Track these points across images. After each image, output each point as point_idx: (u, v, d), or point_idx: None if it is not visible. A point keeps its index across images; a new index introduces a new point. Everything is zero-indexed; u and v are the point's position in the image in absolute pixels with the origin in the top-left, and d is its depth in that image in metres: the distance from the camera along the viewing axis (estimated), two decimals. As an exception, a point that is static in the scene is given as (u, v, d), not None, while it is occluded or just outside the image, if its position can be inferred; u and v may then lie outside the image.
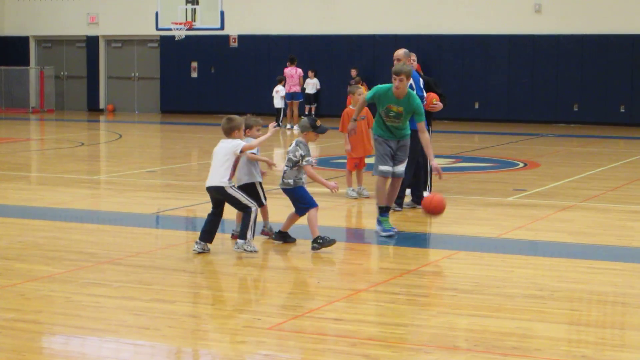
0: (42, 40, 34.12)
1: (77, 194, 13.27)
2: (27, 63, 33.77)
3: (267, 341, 6.25)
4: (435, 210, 9.77)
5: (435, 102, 11.97)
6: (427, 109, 11.60)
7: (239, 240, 8.91)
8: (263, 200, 9.51)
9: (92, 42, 33.07)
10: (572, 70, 27.33)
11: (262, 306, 7.15)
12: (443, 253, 9.29)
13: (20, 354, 5.92)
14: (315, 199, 9.36)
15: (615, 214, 11.65)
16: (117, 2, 32.37)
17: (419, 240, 10.26)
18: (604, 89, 27.00)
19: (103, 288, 7.58)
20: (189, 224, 11.36)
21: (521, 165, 16.99)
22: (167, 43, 31.28)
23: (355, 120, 10.83)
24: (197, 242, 9.00)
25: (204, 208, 11.99)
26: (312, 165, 9.20)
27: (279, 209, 12.11)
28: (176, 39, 26.82)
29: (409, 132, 10.24)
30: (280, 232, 9.45)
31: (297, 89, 25.42)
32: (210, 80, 31.39)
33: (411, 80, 11.67)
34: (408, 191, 12.37)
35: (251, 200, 8.93)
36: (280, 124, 25.37)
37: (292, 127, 25.31)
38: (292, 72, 25.28)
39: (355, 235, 10.71)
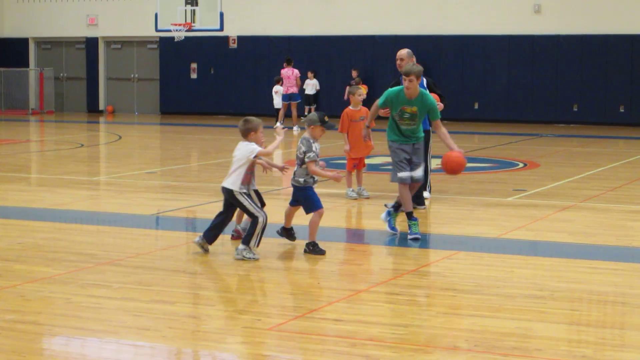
0: (41, 42, 34.13)
1: (77, 195, 13.27)
2: (26, 64, 33.78)
3: (267, 342, 6.26)
4: (456, 169, 9.89)
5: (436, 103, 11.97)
6: None
7: (240, 246, 8.83)
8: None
9: (91, 44, 33.07)
10: (571, 70, 27.33)
11: (262, 307, 7.15)
12: (443, 253, 9.29)
13: (20, 355, 5.91)
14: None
15: (615, 214, 11.65)
16: (117, 4, 32.39)
17: (419, 240, 10.26)
18: (603, 89, 27.01)
19: (103, 289, 7.58)
20: (189, 225, 11.36)
21: (521, 165, 16.99)
22: (166, 44, 31.29)
23: (368, 127, 10.74)
24: (199, 236, 8.98)
25: (204, 209, 12.01)
26: (315, 162, 9.03)
27: (280, 210, 12.12)
28: (175, 40, 26.86)
29: (423, 134, 10.17)
30: (284, 228, 9.39)
31: (294, 90, 25.41)
32: (210, 81, 31.40)
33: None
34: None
35: (259, 209, 8.80)
36: (282, 123, 25.39)
37: (291, 128, 25.30)
38: (289, 73, 25.27)
39: (355, 236, 10.72)
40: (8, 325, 6.54)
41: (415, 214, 10.03)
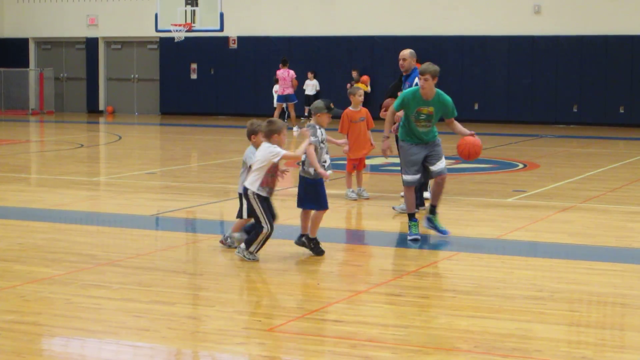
0: (41, 42, 34.13)
1: (77, 195, 13.27)
2: (26, 65, 33.78)
3: (267, 343, 6.25)
4: (473, 154, 9.88)
5: None
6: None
7: (242, 245, 8.74)
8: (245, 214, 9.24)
9: (91, 44, 33.08)
10: (571, 71, 27.34)
11: (262, 308, 7.15)
12: (443, 254, 9.29)
13: (20, 356, 5.91)
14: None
15: (615, 215, 11.65)
16: (117, 4, 32.39)
17: (419, 241, 10.25)
18: (603, 89, 27.01)
19: (103, 290, 7.58)
20: (189, 225, 11.36)
21: (521, 166, 16.99)
22: (166, 45, 31.29)
23: (387, 137, 10.27)
24: (240, 248, 8.78)
25: (204, 210, 12.02)
26: (315, 147, 8.83)
27: (279, 210, 12.12)
28: (176, 40, 26.83)
29: (437, 133, 10.02)
30: (309, 238, 8.97)
31: (290, 91, 25.38)
32: (210, 81, 31.40)
33: (416, 80, 11.68)
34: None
35: (269, 221, 8.60)
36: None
37: (291, 129, 25.27)
38: (285, 74, 25.27)
39: (355, 237, 10.71)
40: (8, 326, 6.54)
41: (416, 216, 10.01)
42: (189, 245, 9.86)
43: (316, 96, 29.36)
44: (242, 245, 8.75)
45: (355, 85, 24.41)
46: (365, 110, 12.95)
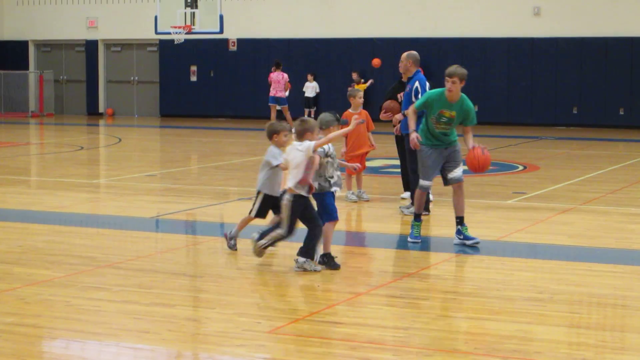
0: (41, 45, 34.13)
1: (77, 198, 13.27)
2: (26, 67, 33.78)
3: (267, 345, 6.25)
4: (482, 167, 9.73)
5: None
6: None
7: (300, 259, 8.38)
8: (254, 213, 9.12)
9: (91, 46, 33.08)
10: (571, 73, 27.34)
11: (262, 310, 7.15)
12: (443, 256, 9.29)
13: (20, 358, 5.91)
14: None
15: (614, 217, 11.65)
16: (117, 6, 32.40)
17: (418, 243, 10.25)
18: (603, 91, 27.02)
19: (103, 292, 7.58)
20: (189, 227, 11.35)
21: (521, 168, 16.99)
22: (166, 47, 31.29)
23: (414, 131, 10.00)
24: (297, 260, 8.49)
25: (204, 212, 12.02)
26: (320, 158, 8.53)
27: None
28: (175, 42, 26.83)
29: (456, 137, 9.87)
30: (325, 254, 8.60)
31: (282, 94, 25.38)
32: (210, 84, 31.40)
33: (417, 84, 11.67)
34: (407, 194, 12.38)
35: (290, 227, 8.33)
36: None
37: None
38: (279, 77, 25.28)
39: (355, 239, 10.71)
40: (8, 328, 6.54)
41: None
42: (189, 248, 9.86)
43: (316, 98, 29.40)
44: (300, 259, 8.37)
45: (356, 87, 24.43)
46: (365, 112, 12.95)
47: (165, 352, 6.15)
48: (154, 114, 32.50)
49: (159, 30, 26.56)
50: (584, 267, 8.73)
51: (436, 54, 27.86)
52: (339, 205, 12.23)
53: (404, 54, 11.88)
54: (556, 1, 27.48)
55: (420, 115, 10.17)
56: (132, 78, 33.02)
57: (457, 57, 28.05)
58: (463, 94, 9.72)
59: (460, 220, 9.69)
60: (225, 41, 30.76)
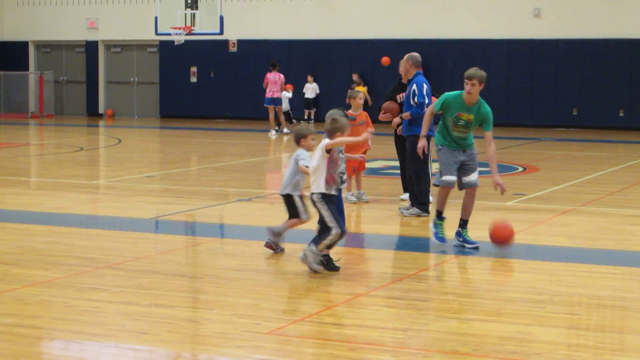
0: (41, 45, 34.14)
1: (76, 198, 13.26)
2: (26, 68, 33.79)
3: (266, 346, 6.25)
4: (505, 240, 9.33)
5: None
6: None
7: (311, 246, 8.21)
8: (303, 215, 9.06)
9: (91, 47, 33.09)
10: (571, 74, 27.35)
11: (261, 311, 7.15)
12: (442, 257, 9.29)
13: (19, 359, 5.91)
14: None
15: (614, 218, 11.65)
16: (117, 7, 32.41)
17: (418, 244, 10.26)
18: (603, 93, 27.02)
19: (102, 293, 7.58)
20: (188, 228, 11.35)
21: (520, 169, 16.99)
22: (166, 48, 31.30)
23: (424, 136, 10.08)
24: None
25: (203, 213, 12.02)
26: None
27: (279, 213, 12.12)
28: (175, 43, 26.85)
29: (473, 140, 9.78)
30: (324, 255, 8.47)
31: (279, 94, 25.45)
32: (210, 85, 31.41)
33: (414, 86, 11.67)
34: (406, 195, 12.38)
35: (337, 222, 8.12)
36: (278, 128, 25.43)
37: (278, 132, 25.22)
38: (276, 77, 25.33)
39: (355, 240, 10.70)
40: (7, 329, 6.54)
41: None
42: (189, 249, 9.86)
43: (316, 99, 29.41)
44: (311, 246, 8.19)
45: (356, 88, 24.42)
46: (365, 113, 12.94)
47: (164, 353, 6.15)
48: (154, 115, 32.51)
49: (159, 31, 26.58)
50: (583, 269, 8.73)
51: (436, 55, 27.87)
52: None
53: (405, 56, 11.90)
54: (556, 3, 27.49)
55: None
56: (132, 79, 33.03)
57: (457, 59, 28.10)
58: (481, 98, 9.60)
59: (463, 223, 9.65)
60: (226, 42, 30.77)
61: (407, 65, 11.84)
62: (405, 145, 11.95)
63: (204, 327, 6.74)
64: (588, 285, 8.05)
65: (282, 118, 25.46)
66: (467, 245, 9.50)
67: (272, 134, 24.79)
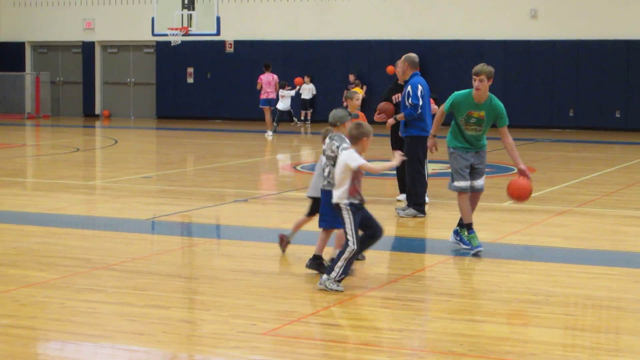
0: (37, 46, 34.11)
1: (73, 199, 13.25)
2: (22, 69, 33.75)
3: (261, 346, 6.25)
4: (523, 195, 9.37)
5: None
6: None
7: (324, 276, 7.83)
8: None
9: (88, 48, 33.06)
10: (567, 75, 27.37)
11: (257, 311, 7.15)
12: (438, 258, 9.29)
13: (14, 360, 5.91)
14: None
15: (610, 219, 11.66)
16: (113, 8, 32.39)
17: (413, 245, 10.27)
18: (599, 94, 27.05)
19: (98, 294, 7.57)
20: (184, 229, 11.35)
21: (516, 170, 16.97)
22: (163, 49, 31.28)
23: (434, 136, 9.81)
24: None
25: (200, 214, 12.01)
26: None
27: (275, 214, 12.12)
28: (172, 44, 26.84)
29: (486, 142, 9.65)
30: (315, 257, 8.41)
31: (273, 95, 25.48)
32: (206, 85, 31.40)
33: (409, 88, 11.68)
34: (403, 196, 12.38)
35: (357, 238, 7.75)
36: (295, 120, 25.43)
37: (268, 132, 25.21)
38: (270, 78, 25.36)
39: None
40: (2, 330, 6.53)
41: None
42: (185, 249, 9.86)
43: (312, 100, 29.41)
44: (324, 276, 7.87)
45: (353, 89, 24.43)
46: (361, 114, 12.92)
47: (160, 353, 6.15)
48: (151, 115, 32.49)
49: (155, 32, 26.57)
50: (579, 269, 8.74)
51: (433, 56, 27.88)
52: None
53: (401, 58, 11.91)
54: (553, 3, 27.52)
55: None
56: (128, 80, 33.01)
57: (453, 60, 28.11)
58: (491, 94, 9.42)
59: (461, 223, 9.54)
60: (222, 43, 30.76)
61: (404, 66, 11.84)
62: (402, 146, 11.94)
63: (200, 327, 6.74)
64: (584, 286, 8.06)
65: (269, 119, 25.42)
66: (463, 246, 9.47)
67: (269, 134, 24.79)
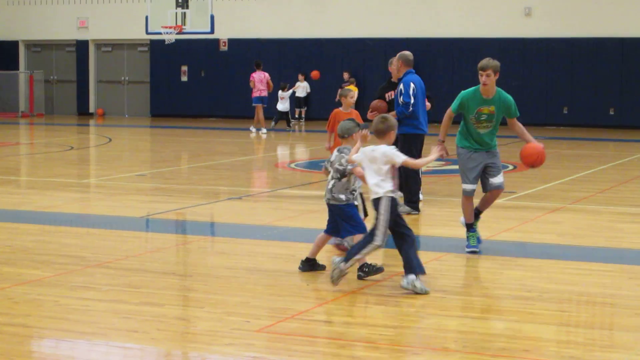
0: (31, 45, 34.07)
1: (67, 197, 13.24)
2: (16, 67, 33.71)
3: (255, 343, 6.25)
4: (537, 161, 9.31)
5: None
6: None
7: (410, 276, 7.65)
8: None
9: (82, 46, 33.03)
10: (562, 73, 27.41)
11: (251, 308, 7.14)
12: (432, 255, 9.28)
13: (8, 358, 5.90)
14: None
15: (604, 216, 11.68)
16: (107, 7, 32.36)
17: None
18: (593, 91, 27.09)
19: (92, 291, 7.57)
20: (179, 227, 11.34)
21: (511, 167, 17.01)
22: (157, 47, 31.27)
23: (442, 141, 9.36)
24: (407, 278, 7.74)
25: (194, 211, 12.00)
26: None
27: (269, 211, 12.11)
28: (166, 42, 26.83)
29: (496, 142, 9.43)
30: (307, 259, 8.39)
31: (265, 93, 25.52)
32: (200, 84, 31.38)
33: (401, 85, 11.68)
34: (399, 194, 12.38)
35: (384, 235, 7.68)
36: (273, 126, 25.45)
37: (258, 131, 25.21)
38: (261, 76, 25.42)
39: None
40: (-4, 328, 6.53)
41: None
42: (179, 247, 9.85)
43: (307, 98, 29.41)
44: (337, 258, 7.83)
45: (347, 87, 24.45)
46: (355, 112, 12.91)
47: (154, 351, 6.15)
48: (145, 114, 32.47)
49: (149, 30, 26.56)
50: (573, 266, 8.75)
51: (427, 54, 27.89)
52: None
53: (395, 56, 11.91)
54: (547, 1, 27.55)
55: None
56: (122, 78, 32.99)
57: (448, 58, 28.14)
58: (498, 88, 9.22)
59: (477, 213, 9.41)
60: (216, 41, 30.74)
61: (398, 64, 11.85)
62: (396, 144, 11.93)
63: (194, 325, 6.73)
64: (578, 283, 8.07)
65: (261, 116, 25.42)
66: (467, 249, 9.31)
67: (263, 132, 24.80)
